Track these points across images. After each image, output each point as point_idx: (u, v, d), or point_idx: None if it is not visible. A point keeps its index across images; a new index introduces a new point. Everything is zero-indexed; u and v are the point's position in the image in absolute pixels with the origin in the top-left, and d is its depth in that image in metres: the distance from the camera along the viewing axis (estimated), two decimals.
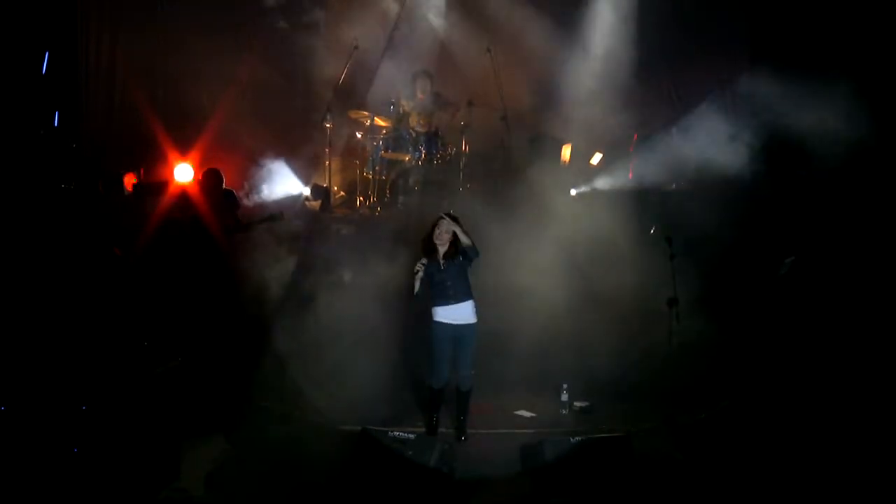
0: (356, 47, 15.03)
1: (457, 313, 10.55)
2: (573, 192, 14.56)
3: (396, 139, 14.90)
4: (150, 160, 14.35)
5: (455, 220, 10.62)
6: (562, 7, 15.79)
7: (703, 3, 15.78)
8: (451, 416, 11.01)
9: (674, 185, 14.40)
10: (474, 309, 10.62)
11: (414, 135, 14.88)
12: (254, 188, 14.33)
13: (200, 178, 13.29)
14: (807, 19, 14.54)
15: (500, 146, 15.19)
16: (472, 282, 10.71)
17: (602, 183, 14.64)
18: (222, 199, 13.13)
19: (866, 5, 13.96)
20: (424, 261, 10.60)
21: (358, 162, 15.14)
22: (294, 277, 12.90)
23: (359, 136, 15.04)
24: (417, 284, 10.54)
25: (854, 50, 13.82)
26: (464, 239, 10.50)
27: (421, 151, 14.83)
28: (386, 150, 14.90)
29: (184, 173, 13.61)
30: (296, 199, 14.69)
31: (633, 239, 12.93)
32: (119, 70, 15.59)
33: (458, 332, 10.59)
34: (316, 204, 14.78)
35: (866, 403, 10.28)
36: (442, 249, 10.59)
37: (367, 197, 14.99)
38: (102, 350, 10.99)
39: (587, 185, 14.62)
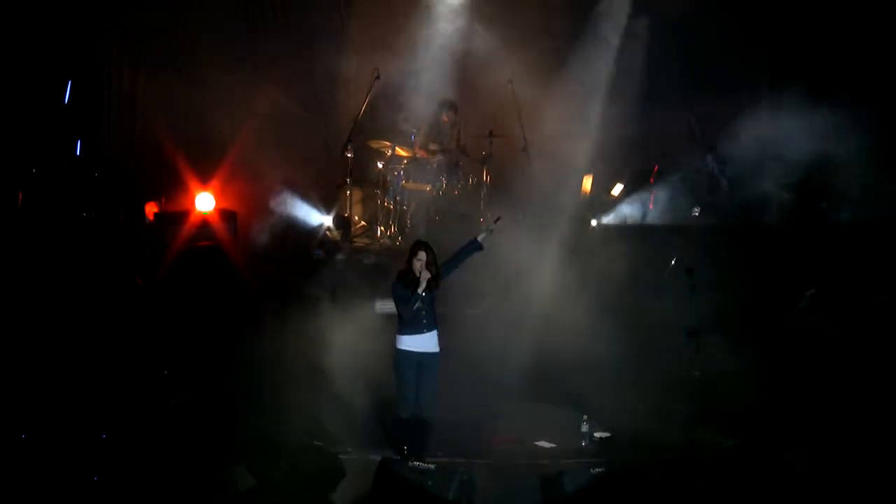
0: (377, 77, 15.04)
1: (423, 342, 10.33)
2: (594, 222, 14.56)
3: (417, 169, 14.90)
4: (172, 189, 14.38)
5: (430, 249, 10.34)
6: (581, 37, 15.83)
7: (721, 34, 15.79)
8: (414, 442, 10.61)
9: (696, 213, 14.36)
10: (438, 338, 10.43)
11: (435, 165, 14.89)
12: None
13: None
14: (826, 49, 14.56)
15: (521, 176, 15.14)
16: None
17: (623, 214, 14.62)
18: None
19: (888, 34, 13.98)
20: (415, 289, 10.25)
21: (379, 192, 15.14)
22: (314, 309, 12.90)
23: (380, 165, 15.05)
24: (415, 304, 10.23)
25: (872, 76, 13.84)
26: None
27: (442, 181, 14.83)
28: (407, 180, 14.90)
29: (205, 202, 13.64)
30: (317, 230, 14.70)
31: (653, 270, 12.90)
32: (141, 100, 15.71)
33: (422, 360, 10.35)
34: (337, 234, 14.77)
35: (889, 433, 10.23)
36: (425, 277, 10.18)
37: (387, 227, 14.98)
38: (122, 379, 10.99)
39: (608, 216, 14.60)
